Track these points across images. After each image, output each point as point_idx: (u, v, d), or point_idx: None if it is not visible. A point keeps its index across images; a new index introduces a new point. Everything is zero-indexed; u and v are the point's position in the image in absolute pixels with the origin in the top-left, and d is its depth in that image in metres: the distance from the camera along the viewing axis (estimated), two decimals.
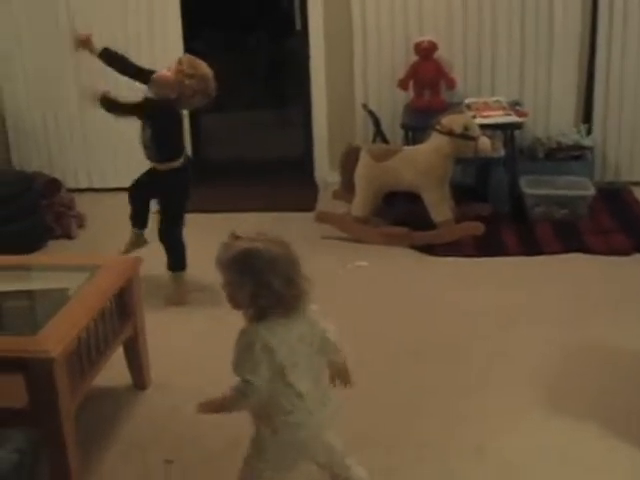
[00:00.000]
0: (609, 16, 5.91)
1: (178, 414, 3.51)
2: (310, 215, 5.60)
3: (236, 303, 2.52)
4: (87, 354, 3.13)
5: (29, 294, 3.67)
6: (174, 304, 4.57)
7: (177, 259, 4.66)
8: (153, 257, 4.24)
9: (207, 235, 5.08)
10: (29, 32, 6.39)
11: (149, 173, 4.66)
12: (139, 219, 4.81)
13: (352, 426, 3.34)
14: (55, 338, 2.88)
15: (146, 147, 4.56)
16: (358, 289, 4.68)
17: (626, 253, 5.01)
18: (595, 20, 5.97)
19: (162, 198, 4.62)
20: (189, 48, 6.30)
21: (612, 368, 3.74)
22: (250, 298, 2.47)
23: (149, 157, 4.58)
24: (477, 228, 5.22)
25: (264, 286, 2.44)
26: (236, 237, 2.54)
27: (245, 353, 2.45)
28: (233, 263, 2.48)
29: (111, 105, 4.47)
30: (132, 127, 6.00)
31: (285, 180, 6.54)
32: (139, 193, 4.76)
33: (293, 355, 2.48)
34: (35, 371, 2.80)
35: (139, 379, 3.69)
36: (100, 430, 3.39)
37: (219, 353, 3.93)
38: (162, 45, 6.27)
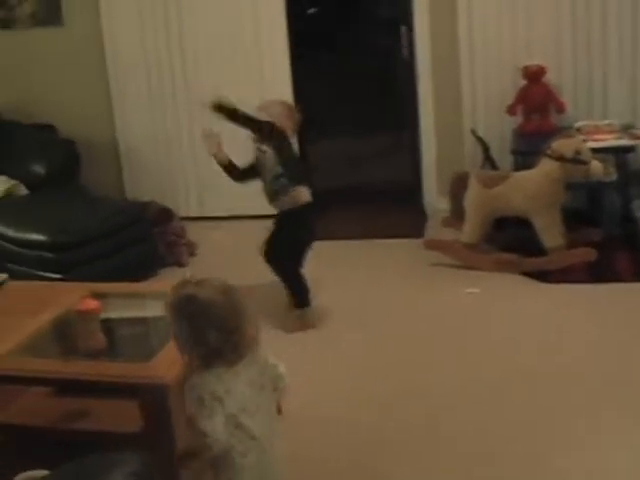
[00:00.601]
0: None
1: (305, 445, 3.49)
2: (419, 242, 5.57)
3: (180, 350, 2.52)
4: None
5: (142, 321, 3.74)
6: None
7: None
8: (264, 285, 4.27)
9: (322, 263, 5.23)
10: (143, 62, 6.56)
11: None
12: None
13: (470, 446, 3.32)
14: (168, 364, 2.92)
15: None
16: (469, 315, 4.63)
17: None
18: None
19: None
20: (295, 72, 6.41)
21: None
22: (190, 346, 2.46)
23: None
24: (589, 254, 5.11)
25: (201, 334, 2.42)
26: (184, 282, 2.53)
27: (199, 407, 2.41)
28: (171, 309, 2.49)
29: (226, 110, 4.60)
30: (241, 155, 6.11)
31: (393, 207, 6.53)
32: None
33: (243, 400, 2.45)
34: (149, 397, 2.85)
35: None
36: None
37: (328, 380, 4.01)
38: (270, 73, 6.36)
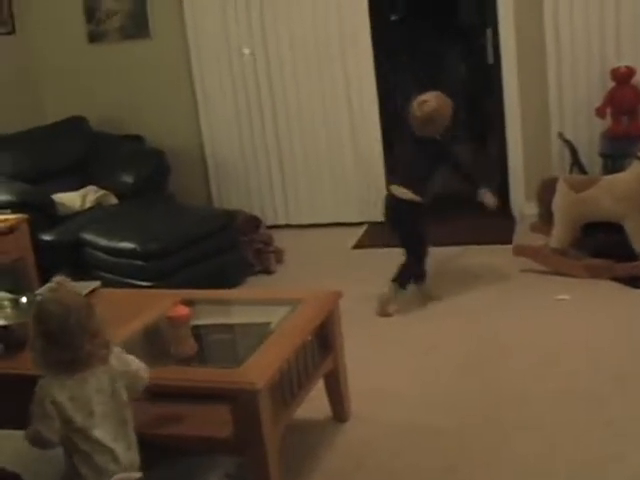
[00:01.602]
0: None
1: (378, 447, 3.52)
2: (507, 248, 5.52)
3: (30, 351, 2.58)
4: (289, 386, 3.19)
5: (233, 327, 3.78)
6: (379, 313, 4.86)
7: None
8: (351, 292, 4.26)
9: None
10: (229, 73, 6.65)
11: None
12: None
13: (559, 451, 3.28)
14: (259, 370, 2.94)
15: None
16: (559, 322, 4.56)
17: None
18: None
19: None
20: (380, 79, 6.42)
21: None
22: (39, 351, 2.52)
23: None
24: None
25: (49, 341, 2.49)
26: (50, 286, 2.63)
27: (38, 407, 2.50)
28: (31, 317, 2.56)
29: None
30: (327, 164, 6.15)
31: (480, 212, 6.47)
32: None
33: (88, 405, 2.51)
34: (241, 402, 2.87)
35: (339, 411, 3.71)
36: (300, 461, 3.43)
37: (421, 382, 4.00)
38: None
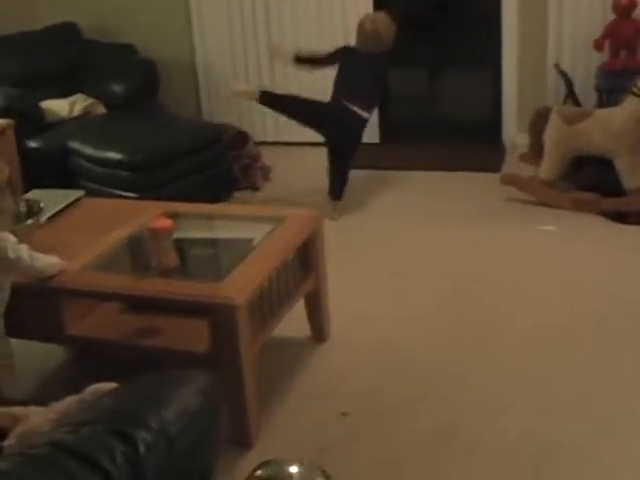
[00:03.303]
0: None
1: (355, 368, 3.55)
2: (496, 176, 5.49)
3: None
4: (268, 304, 3.18)
5: (215, 242, 3.77)
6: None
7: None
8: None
9: (396, 192, 5.31)
10: None
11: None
12: None
13: (528, 386, 3.30)
14: (239, 286, 2.94)
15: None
16: (541, 254, 4.57)
17: None
18: None
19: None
20: None
21: None
22: None
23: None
24: None
25: None
26: None
27: None
28: None
29: (305, 62, 5.43)
30: (320, 82, 6.07)
31: (472, 140, 6.45)
32: None
33: None
34: (219, 317, 2.87)
35: (318, 332, 3.73)
36: (277, 380, 3.45)
37: (398, 309, 4.02)
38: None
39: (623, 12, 5.61)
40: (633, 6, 5.60)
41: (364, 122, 5.31)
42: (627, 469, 2.86)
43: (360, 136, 5.41)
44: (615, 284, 4.19)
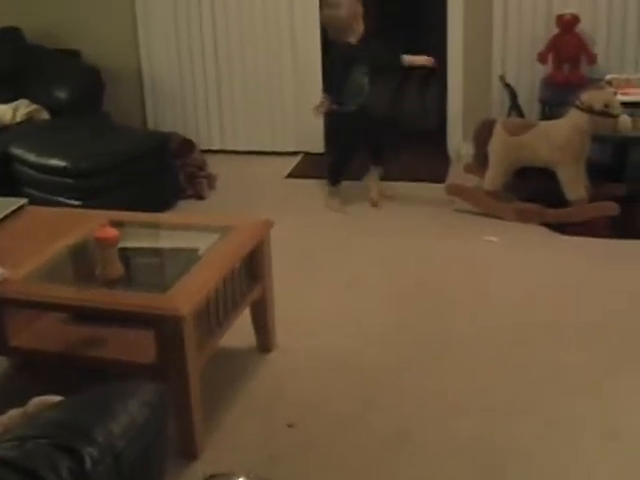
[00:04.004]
0: None
1: (301, 378, 3.55)
2: (441, 187, 5.53)
3: None
4: (215, 314, 3.17)
5: (161, 252, 3.74)
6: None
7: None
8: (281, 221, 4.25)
9: (345, 200, 5.36)
10: None
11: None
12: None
13: (481, 396, 3.33)
14: (185, 297, 2.92)
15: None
16: (485, 264, 4.61)
17: None
18: None
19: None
20: None
21: None
22: None
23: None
24: (612, 208, 5.07)
25: None
26: None
27: None
28: None
29: None
30: (265, 91, 6.08)
31: (417, 150, 6.49)
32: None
33: None
34: (165, 328, 2.85)
35: (264, 341, 3.72)
36: (223, 390, 3.44)
37: (346, 317, 4.02)
38: None
39: (566, 26, 5.70)
40: (576, 21, 5.69)
41: (335, 114, 5.39)
42: (574, 471, 2.91)
43: (336, 128, 5.61)
44: (557, 292, 4.26)
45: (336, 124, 5.51)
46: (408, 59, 5.38)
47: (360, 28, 5.19)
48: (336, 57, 5.34)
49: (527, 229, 5.03)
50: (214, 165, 6.07)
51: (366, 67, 5.27)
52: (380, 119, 5.84)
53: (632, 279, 4.38)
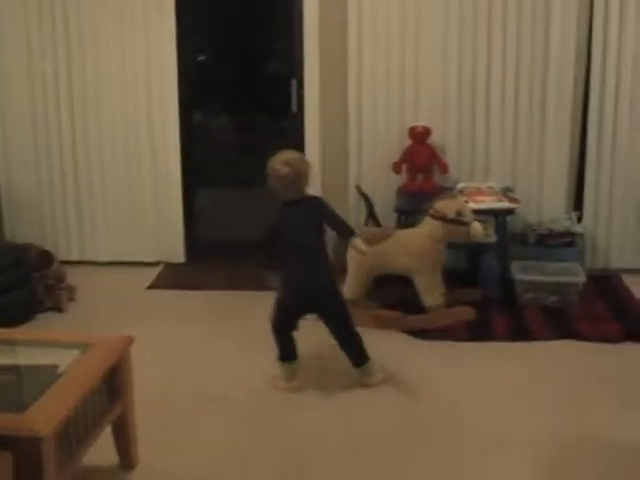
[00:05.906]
0: (599, 112, 6.03)
1: None
2: None
3: None
4: (75, 433, 3.10)
5: (18, 369, 3.63)
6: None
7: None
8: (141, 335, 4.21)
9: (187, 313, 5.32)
10: (29, 97, 6.47)
11: None
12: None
13: None
14: (44, 417, 2.85)
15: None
16: (347, 371, 4.64)
17: (616, 340, 5.01)
18: (586, 110, 6.07)
19: None
20: (184, 119, 6.40)
21: (608, 459, 3.71)
22: None
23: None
24: (468, 313, 5.23)
25: None
26: None
27: None
28: None
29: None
30: (125, 202, 6.07)
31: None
32: None
33: None
34: (23, 450, 2.77)
35: (126, 459, 3.63)
36: None
37: (208, 435, 3.97)
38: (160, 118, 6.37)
39: (419, 138, 5.93)
40: (427, 132, 5.94)
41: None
42: None
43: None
44: (420, 396, 4.35)
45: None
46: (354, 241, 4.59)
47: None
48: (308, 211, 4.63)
49: (388, 336, 5.10)
50: (73, 276, 5.98)
51: None
52: None
53: (488, 382, 4.49)
